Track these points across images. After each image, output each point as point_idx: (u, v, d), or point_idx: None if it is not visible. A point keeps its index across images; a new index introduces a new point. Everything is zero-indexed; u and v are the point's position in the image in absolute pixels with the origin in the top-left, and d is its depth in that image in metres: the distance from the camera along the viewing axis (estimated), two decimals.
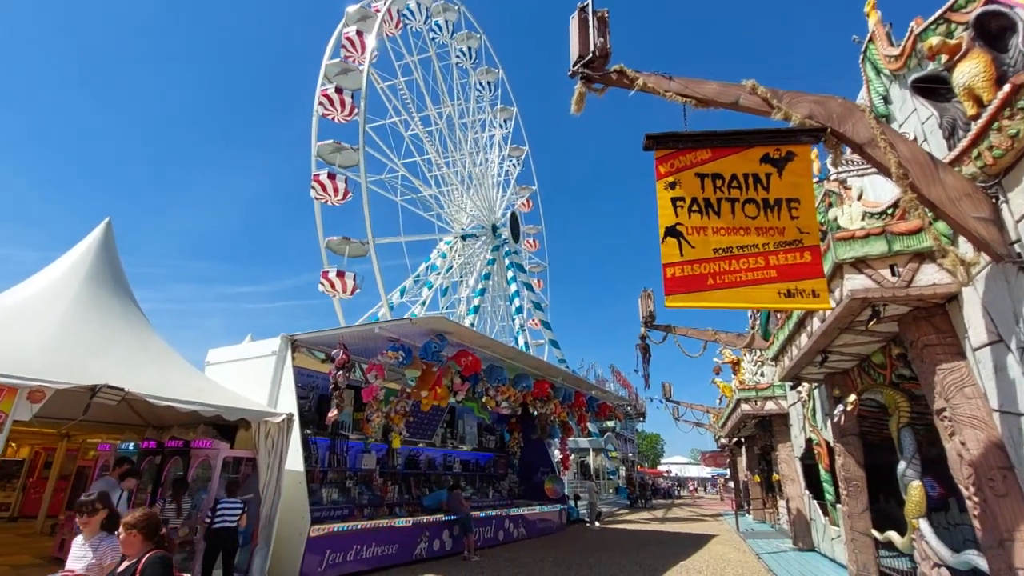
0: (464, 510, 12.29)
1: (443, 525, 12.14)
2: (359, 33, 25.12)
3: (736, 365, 16.29)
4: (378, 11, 26.12)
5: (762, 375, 16.68)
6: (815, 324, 6.86)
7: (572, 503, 21.14)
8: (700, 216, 4.62)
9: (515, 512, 15.09)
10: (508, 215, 37.01)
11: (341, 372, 9.88)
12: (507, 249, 35.16)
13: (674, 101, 4.85)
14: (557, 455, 21.21)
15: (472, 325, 30.74)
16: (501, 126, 39.23)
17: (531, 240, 42.99)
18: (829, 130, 4.54)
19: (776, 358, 9.47)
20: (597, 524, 19.17)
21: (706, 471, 68.63)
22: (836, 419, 7.85)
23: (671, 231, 4.59)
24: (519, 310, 32.29)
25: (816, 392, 10.82)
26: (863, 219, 5.83)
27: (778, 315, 9.23)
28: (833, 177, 8.12)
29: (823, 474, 10.74)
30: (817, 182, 8.33)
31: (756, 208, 4.59)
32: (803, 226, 4.51)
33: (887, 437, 7.66)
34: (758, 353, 16.30)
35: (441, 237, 32.35)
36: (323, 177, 22.17)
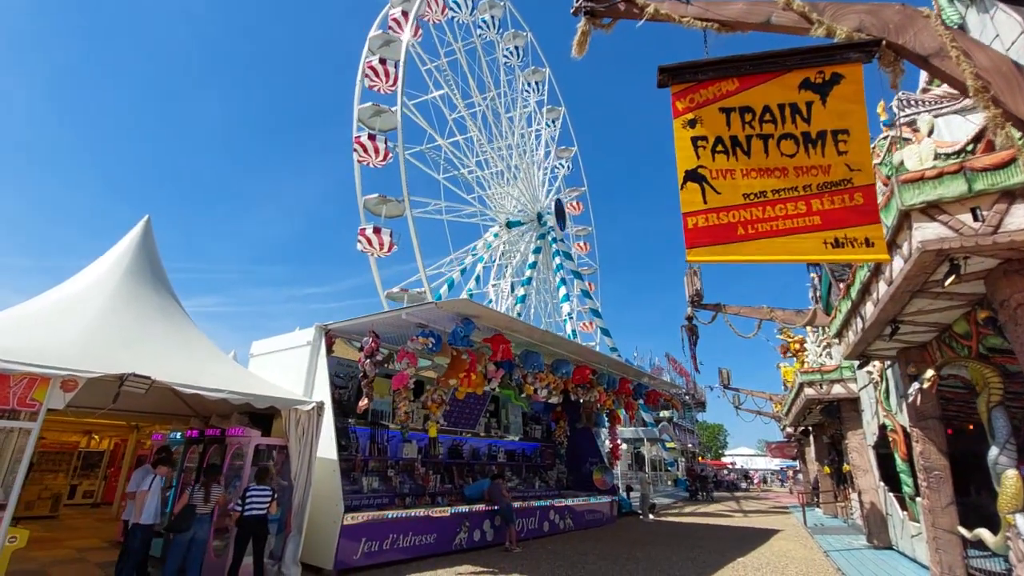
0: (505, 500, 11.94)
1: (484, 515, 11.86)
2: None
3: (799, 346, 14.99)
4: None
5: (829, 356, 15.30)
6: (881, 288, 5.93)
7: (624, 495, 20.42)
8: (726, 157, 3.95)
9: (561, 503, 14.61)
10: (554, 203, 36.31)
11: (369, 360, 9.72)
12: (552, 236, 34.48)
13: (693, 27, 4.18)
14: (609, 445, 20.51)
15: (518, 315, 30.36)
16: (548, 125, 38.66)
17: (582, 243, 42.25)
18: (884, 43, 3.74)
19: (839, 333, 8.46)
20: (651, 517, 18.36)
21: (774, 463, 65.30)
22: (911, 400, 6.84)
23: (692, 175, 3.95)
24: (566, 298, 31.59)
25: (889, 372, 9.64)
26: (935, 159, 4.89)
27: (840, 284, 8.22)
28: (901, 122, 7.06)
29: (900, 464, 9.57)
30: (883, 137, 7.28)
31: (795, 144, 3.87)
32: (854, 162, 3.76)
33: (978, 421, 6.60)
34: (823, 332, 14.95)
35: (484, 222, 32.06)
36: (364, 139, 22.51)
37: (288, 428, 8.60)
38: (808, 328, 15.64)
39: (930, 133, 5.27)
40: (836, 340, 8.66)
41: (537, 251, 34.26)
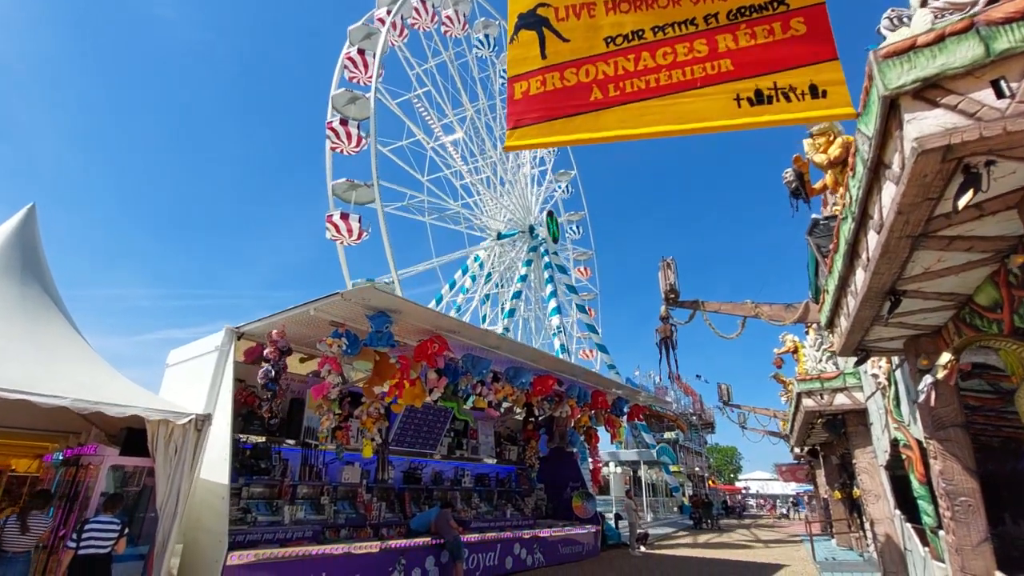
0: (451, 532, 10.22)
1: (426, 550, 10.13)
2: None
3: (795, 352, 13.22)
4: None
5: (835, 364, 13.49)
6: (871, 243, 4.33)
7: (612, 523, 18.43)
8: None
9: (528, 534, 12.78)
10: (544, 213, 35.01)
11: (270, 366, 8.21)
12: (544, 248, 33.02)
13: None
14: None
15: (507, 329, 28.74)
16: (549, 152, 37.71)
17: (582, 268, 40.98)
18: None
19: (831, 322, 6.80)
20: (641, 549, 16.36)
21: (790, 487, 61.95)
22: (924, 399, 5.15)
23: (527, 20, 2.48)
24: (555, 311, 29.89)
25: (897, 373, 7.91)
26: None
27: (827, 259, 6.60)
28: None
29: (917, 487, 7.76)
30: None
31: None
32: None
33: (1011, 436, 4.88)
34: (824, 339, 13.17)
35: (470, 231, 30.75)
36: (336, 124, 21.22)
37: (155, 445, 7.08)
38: (809, 331, 13.89)
39: (924, 3, 3.75)
40: (827, 331, 6.99)
41: (528, 264, 32.78)
